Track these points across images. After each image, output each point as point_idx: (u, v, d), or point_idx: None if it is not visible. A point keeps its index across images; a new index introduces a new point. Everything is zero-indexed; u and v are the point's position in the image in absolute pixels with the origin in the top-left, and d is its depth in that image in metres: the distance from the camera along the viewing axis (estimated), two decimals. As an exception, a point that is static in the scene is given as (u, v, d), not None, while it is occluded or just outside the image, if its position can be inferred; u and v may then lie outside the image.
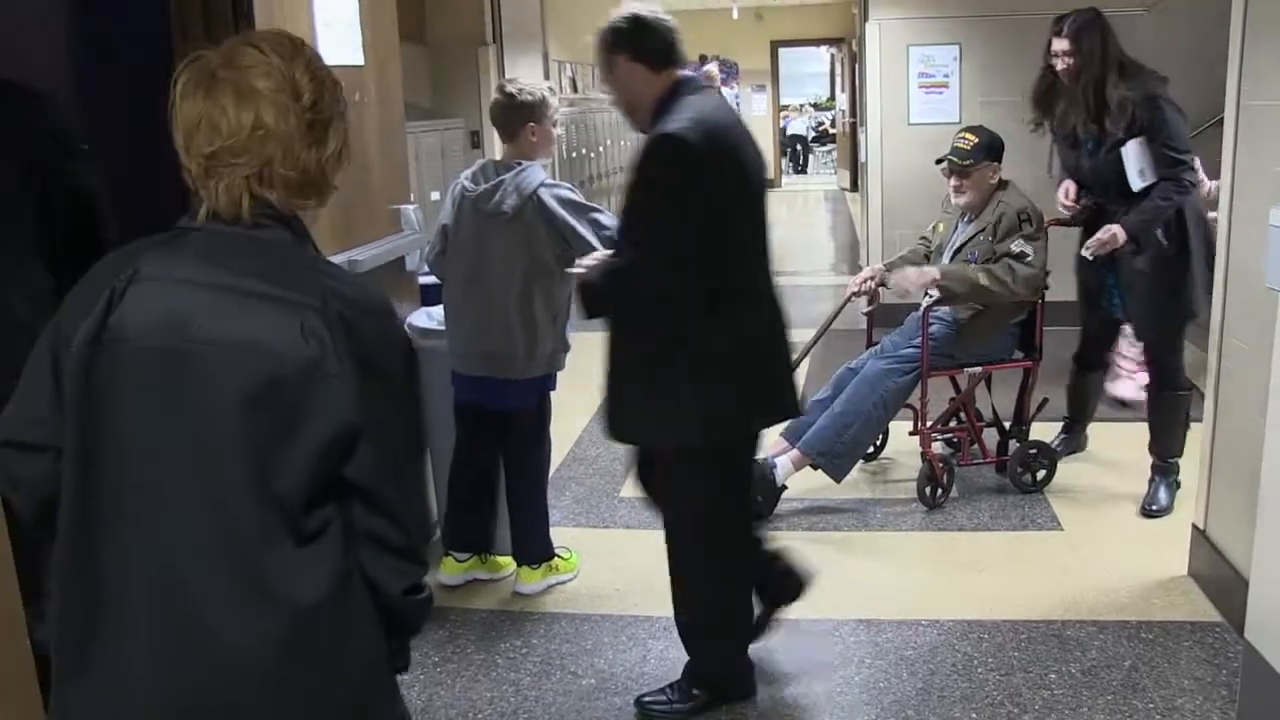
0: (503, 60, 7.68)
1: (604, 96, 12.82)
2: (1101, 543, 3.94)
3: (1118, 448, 4.91)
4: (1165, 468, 4.23)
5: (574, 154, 10.42)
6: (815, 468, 4.23)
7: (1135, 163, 3.95)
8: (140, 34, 2.99)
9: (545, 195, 3.42)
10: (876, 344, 4.54)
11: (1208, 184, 4.20)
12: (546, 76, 9.10)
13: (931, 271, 4.19)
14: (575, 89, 11.43)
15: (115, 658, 1.38)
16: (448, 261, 3.61)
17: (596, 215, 3.46)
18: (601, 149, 11.74)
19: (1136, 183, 3.95)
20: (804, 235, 13.06)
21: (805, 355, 4.65)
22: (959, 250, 4.36)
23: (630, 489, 4.63)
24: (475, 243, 3.50)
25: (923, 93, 7.28)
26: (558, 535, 4.00)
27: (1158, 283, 4.03)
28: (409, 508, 1.49)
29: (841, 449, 4.16)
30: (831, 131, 21.37)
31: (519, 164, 3.47)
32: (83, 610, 1.39)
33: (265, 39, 1.50)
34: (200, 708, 1.37)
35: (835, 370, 4.51)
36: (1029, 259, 4.13)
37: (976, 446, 4.50)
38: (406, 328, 3.87)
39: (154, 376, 1.37)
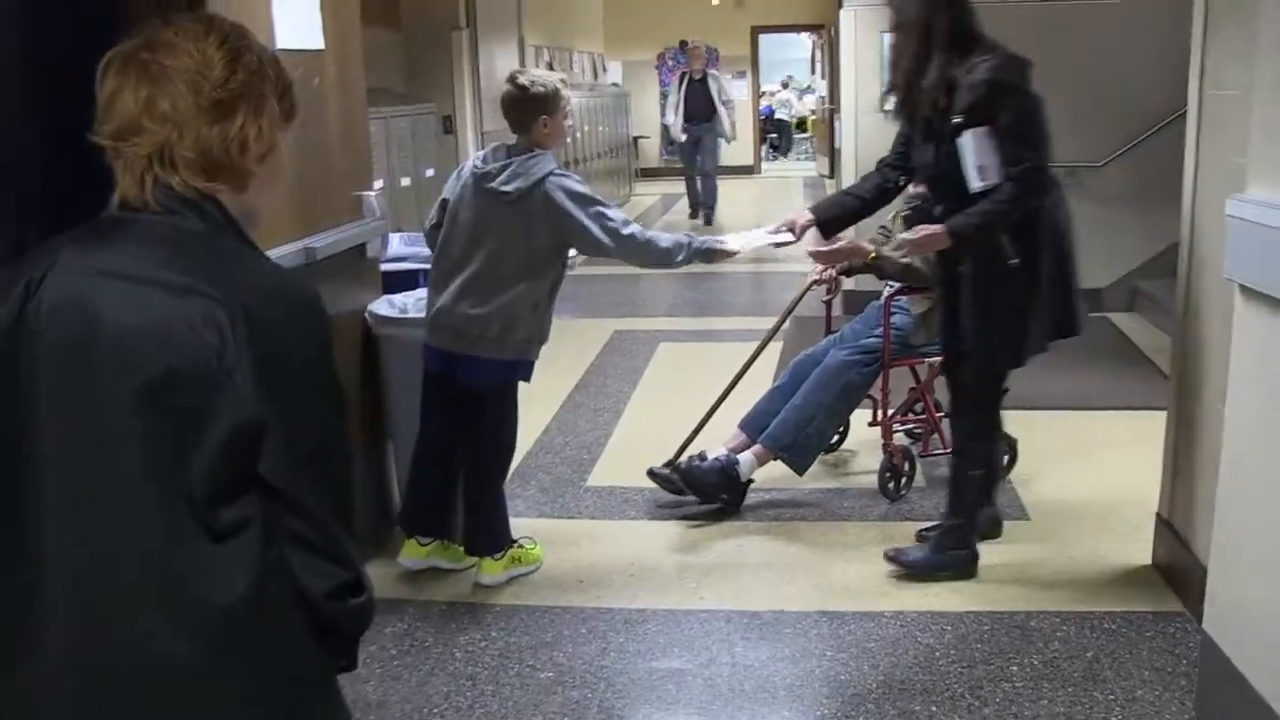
0: (476, 45, 7.63)
1: (582, 81, 12.83)
2: (1067, 532, 3.93)
3: (1087, 435, 4.92)
4: (940, 538, 3.65)
5: (550, 140, 10.33)
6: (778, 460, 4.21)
7: (973, 157, 3.25)
8: (92, 20, 2.93)
9: (551, 185, 3.39)
10: (836, 332, 4.52)
11: None
12: (522, 61, 9.04)
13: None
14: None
15: (36, 651, 1.35)
16: (442, 236, 3.58)
17: (601, 209, 3.43)
18: (579, 135, 11.66)
19: (974, 183, 3.26)
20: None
21: (766, 344, 4.63)
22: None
23: (598, 478, 4.64)
24: (473, 223, 3.48)
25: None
26: (522, 526, 3.97)
27: (988, 308, 3.41)
28: (331, 506, 1.45)
29: (804, 442, 4.13)
30: (812, 117, 21.33)
31: (535, 153, 3.45)
32: (9, 601, 1.36)
33: (182, 18, 1.46)
34: (114, 708, 1.33)
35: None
36: None
37: (937, 436, 4.48)
38: (367, 315, 3.83)
39: (62, 367, 1.34)
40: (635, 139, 16.85)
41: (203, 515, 1.32)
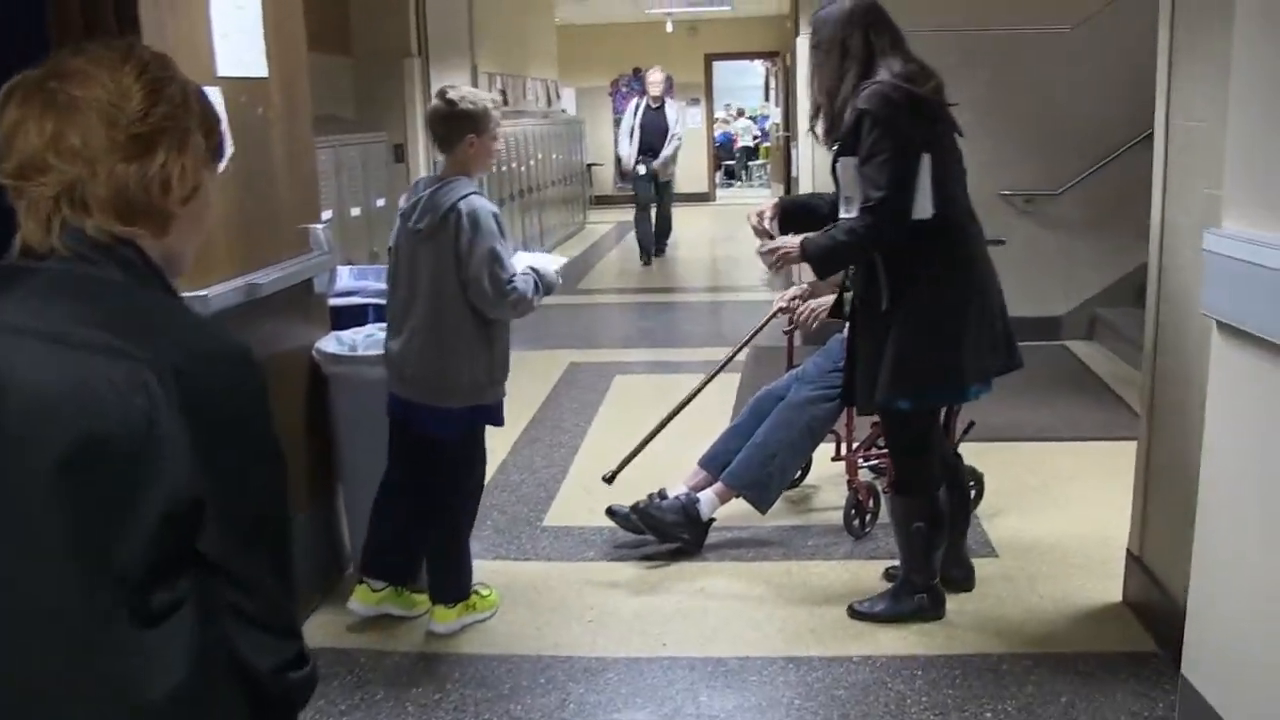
0: (428, 72, 7.51)
1: (535, 110, 12.74)
2: (1036, 569, 3.84)
3: (1051, 468, 4.85)
4: (898, 586, 3.55)
5: (504, 168, 10.25)
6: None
7: (844, 187, 3.23)
8: (16, 47, 2.79)
9: (462, 208, 3.23)
10: (798, 365, 4.43)
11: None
12: (474, 86, 8.93)
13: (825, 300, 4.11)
14: (506, 101, 11.26)
15: None
16: (389, 281, 3.47)
17: (498, 251, 3.24)
18: (533, 162, 11.58)
19: (842, 212, 3.24)
20: (737, 250, 12.94)
21: (721, 370, 4.52)
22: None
23: (555, 517, 4.51)
24: (407, 265, 3.35)
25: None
26: (478, 569, 3.82)
27: (865, 349, 3.31)
28: (275, 577, 1.32)
29: (766, 479, 4.03)
30: (765, 145, 21.46)
31: (445, 180, 3.31)
32: None
33: (95, 46, 1.33)
34: None
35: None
36: None
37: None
38: (315, 353, 3.69)
39: None
40: (589, 166, 16.80)
41: (135, 597, 1.19)
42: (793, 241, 3.34)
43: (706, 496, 4.04)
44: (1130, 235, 6.84)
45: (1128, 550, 3.55)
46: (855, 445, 4.23)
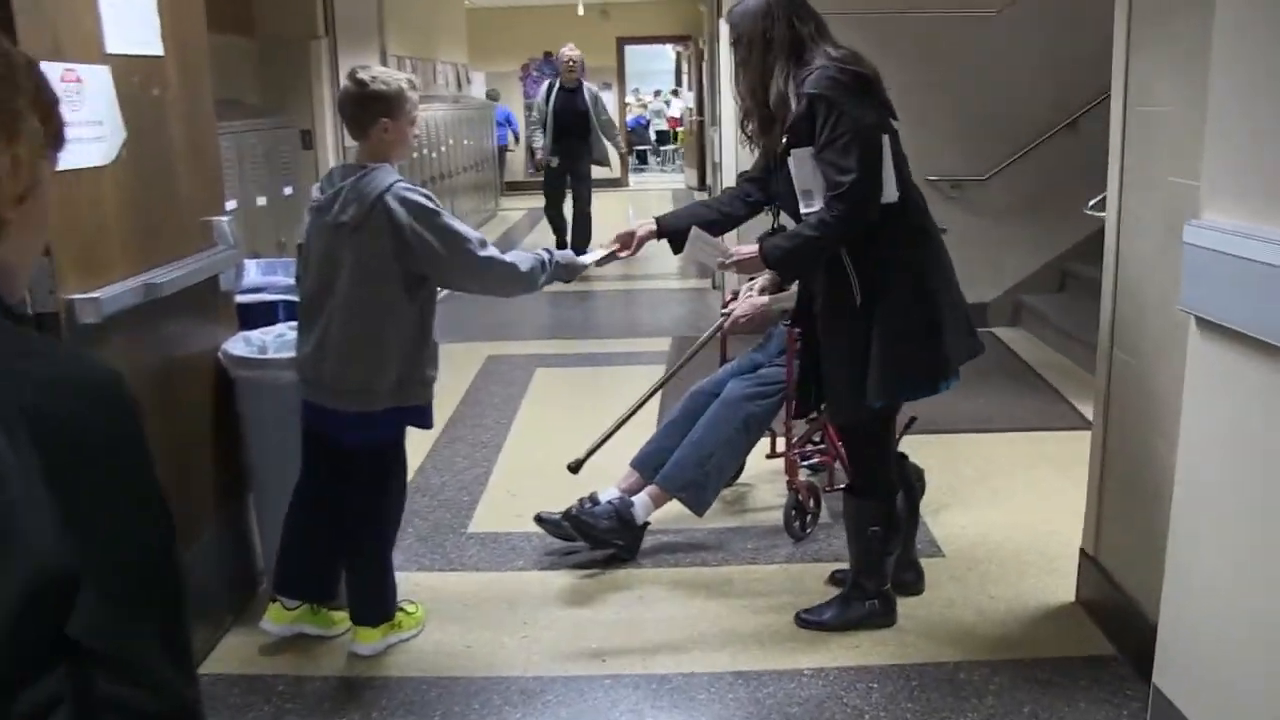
0: (336, 55, 7.17)
1: (446, 94, 12.40)
2: (985, 568, 3.72)
3: (989, 459, 4.75)
4: (848, 592, 3.39)
5: (415, 154, 9.92)
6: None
7: (798, 181, 3.01)
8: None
9: (391, 201, 2.97)
10: (731, 359, 4.25)
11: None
12: (384, 72, 8.60)
13: (760, 301, 3.95)
14: (414, 87, 10.92)
15: None
16: (300, 280, 3.22)
17: (451, 224, 3.02)
18: (444, 148, 11.26)
19: (802, 208, 3.03)
20: (654, 236, 12.77)
21: (666, 381, 4.29)
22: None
23: (480, 523, 4.28)
24: (324, 259, 3.08)
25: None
26: (401, 581, 3.57)
27: (840, 351, 3.11)
28: (166, 657, 1.07)
29: (703, 480, 3.83)
30: (679, 129, 21.36)
31: (365, 167, 3.06)
32: None
33: None
34: None
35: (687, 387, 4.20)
36: None
37: (841, 468, 4.23)
38: (220, 355, 3.41)
39: None
40: (501, 150, 16.48)
41: None
42: (749, 249, 3.16)
43: (640, 500, 3.85)
44: (1055, 221, 6.85)
45: (1081, 550, 3.44)
46: (793, 441, 4.07)
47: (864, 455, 3.30)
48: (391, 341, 3.06)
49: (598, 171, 10.40)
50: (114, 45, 2.81)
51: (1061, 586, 3.52)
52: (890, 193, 2.94)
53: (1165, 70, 2.85)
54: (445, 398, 5.83)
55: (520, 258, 3.17)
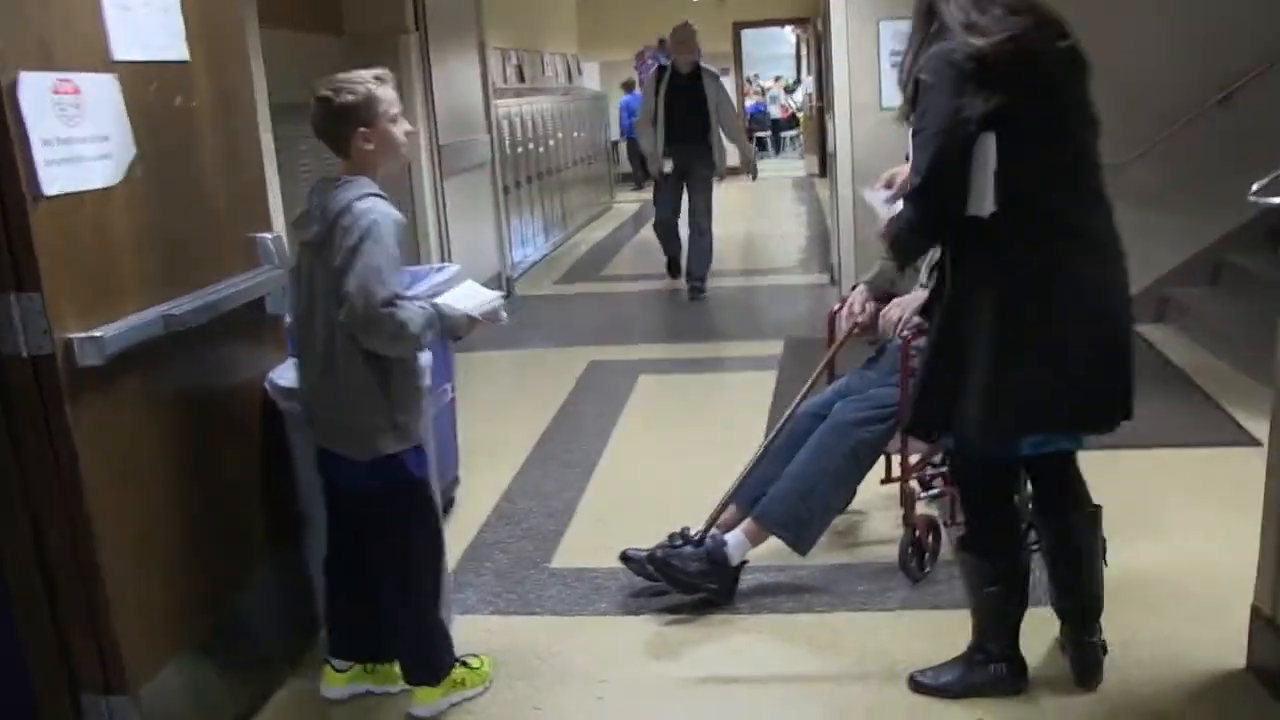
0: (428, 50, 6.92)
1: (552, 86, 12.10)
2: (1137, 623, 3.19)
3: (1136, 482, 4.19)
4: (971, 651, 2.92)
5: (520, 149, 9.67)
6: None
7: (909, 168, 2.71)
8: None
9: (346, 217, 2.61)
10: (839, 377, 3.80)
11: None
12: (484, 66, 8.33)
13: (920, 295, 3.43)
14: (522, 78, 10.66)
15: None
16: (292, 308, 2.92)
17: (377, 259, 2.58)
18: (552, 142, 10.97)
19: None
20: (772, 226, 12.30)
21: (801, 402, 3.69)
22: (936, 265, 3.62)
23: (564, 557, 3.93)
24: (302, 288, 2.79)
25: (897, 73, 6.52)
26: (470, 625, 3.31)
27: (926, 357, 2.77)
28: None
29: (806, 516, 3.40)
30: (800, 114, 20.82)
31: (342, 180, 2.72)
32: None
33: None
34: None
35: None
36: None
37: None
38: (268, 385, 3.11)
39: None
40: (614, 143, 16.17)
41: None
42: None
43: (735, 537, 3.44)
44: (1206, 207, 6.20)
45: (1254, 608, 2.91)
46: (911, 465, 3.60)
47: (968, 500, 2.87)
48: (357, 380, 2.70)
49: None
50: (122, 51, 2.50)
51: (1227, 647, 2.99)
52: (982, 204, 2.45)
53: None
54: (540, 409, 5.54)
55: (413, 316, 2.64)
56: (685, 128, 7.93)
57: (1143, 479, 4.24)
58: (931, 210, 2.52)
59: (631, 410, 5.59)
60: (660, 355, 6.73)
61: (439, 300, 2.77)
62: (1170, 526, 3.83)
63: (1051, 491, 2.83)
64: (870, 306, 3.69)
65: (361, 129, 2.67)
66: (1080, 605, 2.86)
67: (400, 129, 2.76)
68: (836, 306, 3.86)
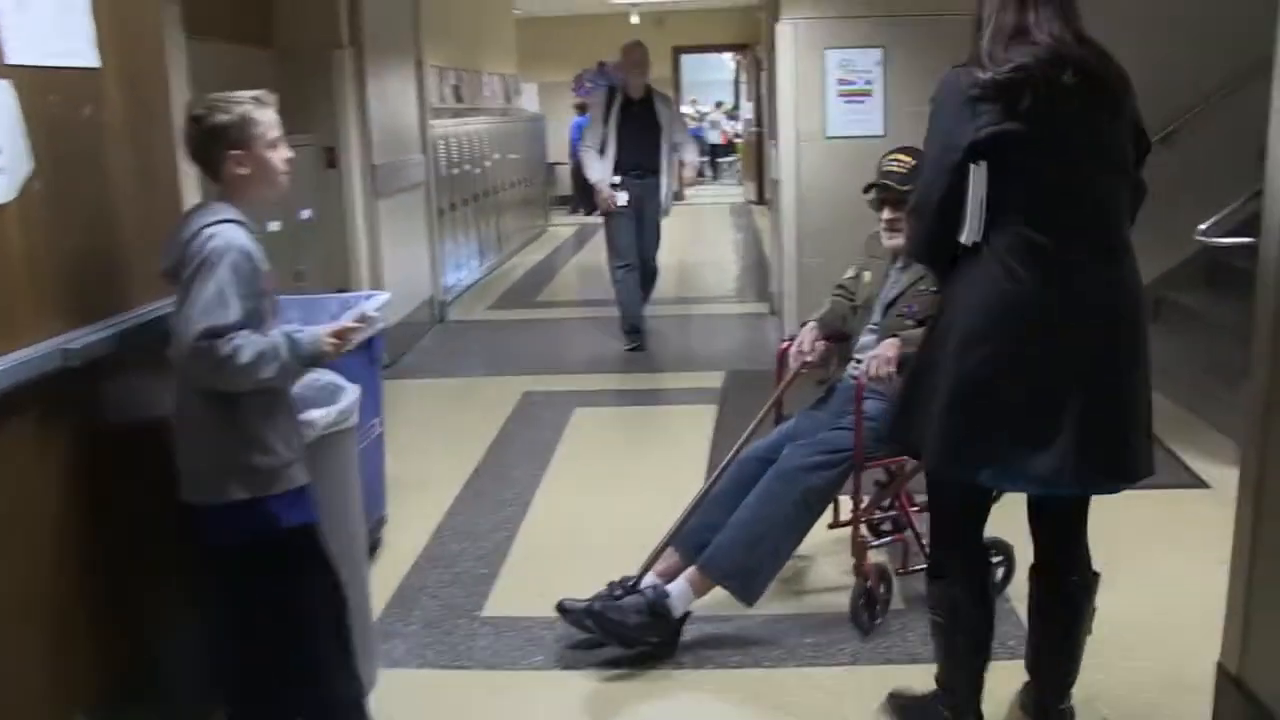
0: (363, 66, 6.68)
1: (490, 106, 11.89)
2: (1090, 679, 3.05)
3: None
4: (930, 699, 2.82)
5: (456, 170, 9.45)
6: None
7: None
8: None
9: (203, 237, 2.36)
10: (787, 418, 3.64)
11: None
12: (421, 84, 8.12)
13: (894, 342, 3.26)
14: (459, 98, 10.44)
15: None
16: None
17: (225, 290, 2.32)
18: (489, 164, 10.77)
19: None
20: (712, 255, 12.16)
21: (738, 452, 3.49)
22: (892, 304, 3.48)
23: (497, 604, 3.71)
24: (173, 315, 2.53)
25: (842, 102, 6.44)
26: (397, 680, 3.09)
27: (906, 375, 2.75)
28: None
29: (754, 566, 3.22)
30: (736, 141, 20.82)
31: (199, 206, 2.51)
32: None
33: None
34: None
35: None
36: None
37: (912, 533, 3.59)
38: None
39: None
40: (551, 165, 16.00)
41: None
42: None
43: (678, 588, 3.26)
44: (1198, 208, 6.07)
45: (1219, 665, 2.78)
46: (861, 509, 3.44)
47: (935, 524, 2.74)
48: (212, 415, 2.44)
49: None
50: (18, 55, 2.27)
51: (1190, 708, 2.86)
52: (970, 231, 2.37)
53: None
54: (472, 443, 5.32)
55: (240, 347, 2.34)
56: (639, 157, 7.13)
57: (1092, 523, 4.11)
58: (921, 233, 2.51)
59: (567, 445, 5.39)
60: (597, 386, 6.53)
61: (290, 331, 2.47)
62: (1125, 575, 3.67)
63: (1052, 547, 2.71)
64: (820, 345, 3.55)
65: (234, 151, 2.43)
66: (1057, 671, 2.72)
67: (280, 154, 2.51)
68: (785, 343, 3.70)
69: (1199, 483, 4.50)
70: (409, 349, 7.47)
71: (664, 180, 7.20)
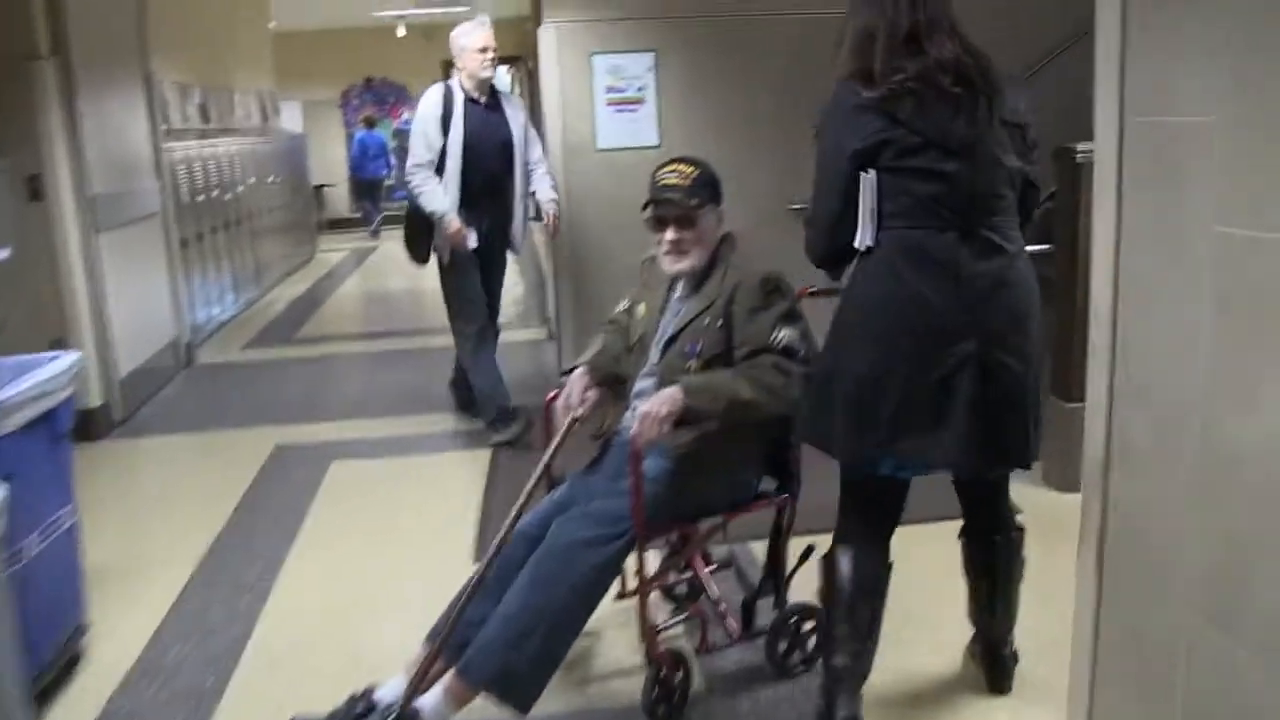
0: (72, 80, 5.82)
1: (245, 126, 10.99)
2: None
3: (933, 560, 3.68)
4: None
5: (201, 197, 8.60)
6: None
7: None
8: None
9: None
10: (560, 480, 3.10)
11: None
12: (151, 102, 7.26)
13: (672, 393, 2.77)
14: (206, 118, 9.55)
15: None
16: None
17: None
18: (242, 189, 9.91)
19: None
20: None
21: (514, 524, 2.94)
22: (671, 342, 2.97)
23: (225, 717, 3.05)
24: None
25: (612, 110, 5.98)
26: None
27: (816, 373, 2.83)
28: None
29: (524, 668, 2.65)
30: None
31: None
32: None
33: None
34: None
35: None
36: (799, 353, 2.80)
37: (715, 617, 3.13)
38: None
39: None
40: (318, 188, 15.12)
41: None
42: None
43: (432, 699, 2.66)
44: None
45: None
46: (649, 579, 2.93)
47: (844, 507, 2.75)
48: None
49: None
50: None
51: None
52: (863, 237, 2.50)
53: (1191, 74, 1.83)
54: (210, 512, 4.61)
55: None
56: (489, 180, 5.33)
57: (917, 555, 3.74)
58: (818, 243, 2.61)
59: (320, 509, 4.70)
60: (356, 434, 5.80)
61: None
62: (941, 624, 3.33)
63: (978, 513, 2.89)
64: (591, 395, 3.02)
65: None
66: (997, 620, 2.93)
67: None
68: (552, 394, 3.15)
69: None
70: (147, 400, 6.60)
71: (518, 206, 5.46)
